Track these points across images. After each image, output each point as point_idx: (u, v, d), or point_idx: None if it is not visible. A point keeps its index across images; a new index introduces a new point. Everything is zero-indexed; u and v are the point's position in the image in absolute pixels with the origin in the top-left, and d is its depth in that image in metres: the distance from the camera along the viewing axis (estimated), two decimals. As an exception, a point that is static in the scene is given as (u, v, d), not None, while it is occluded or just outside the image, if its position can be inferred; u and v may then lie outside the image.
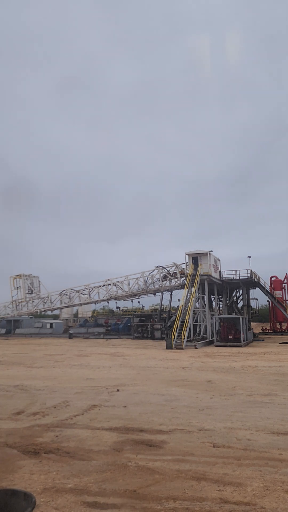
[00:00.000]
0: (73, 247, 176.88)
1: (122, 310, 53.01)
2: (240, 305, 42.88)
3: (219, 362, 17.69)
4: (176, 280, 39.68)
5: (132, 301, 46.35)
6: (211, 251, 35.72)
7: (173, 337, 27.22)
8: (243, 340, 28.43)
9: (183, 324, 28.41)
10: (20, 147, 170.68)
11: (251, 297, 43.42)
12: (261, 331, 44.90)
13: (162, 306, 45.00)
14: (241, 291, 41.93)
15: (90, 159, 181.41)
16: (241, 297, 42.66)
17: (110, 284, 42.19)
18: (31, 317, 53.18)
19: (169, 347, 26.40)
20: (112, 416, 7.95)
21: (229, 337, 28.71)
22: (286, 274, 43.49)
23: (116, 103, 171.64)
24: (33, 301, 46.30)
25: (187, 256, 36.17)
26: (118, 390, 10.81)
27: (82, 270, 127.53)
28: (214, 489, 4.54)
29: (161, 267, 40.06)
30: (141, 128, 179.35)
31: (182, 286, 36.76)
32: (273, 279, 44.15)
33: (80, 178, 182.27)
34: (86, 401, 9.44)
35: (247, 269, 38.01)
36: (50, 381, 12.72)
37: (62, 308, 48.06)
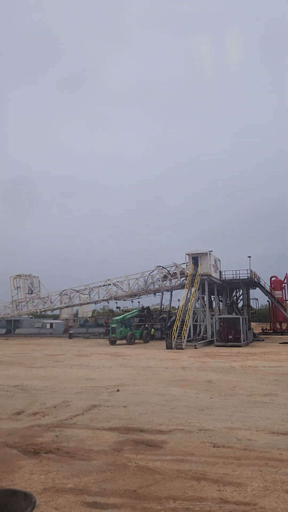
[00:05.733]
0: (73, 246, 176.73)
1: (122, 310, 52.98)
2: (240, 305, 42.86)
3: (219, 362, 17.69)
4: (176, 280, 39.62)
5: (132, 301, 46.35)
6: (211, 251, 35.70)
7: (173, 337, 27.21)
8: (243, 340, 28.43)
9: (183, 324, 28.40)
10: (20, 146, 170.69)
11: (251, 297, 43.44)
12: (261, 331, 44.88)
13: (162, 306, 45.00)
14: (241, 291, 41.91)
15: (91, 158, 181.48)
16: (241, 297, 42.64)
17: (110, 284, 42.14)
18: (31, 317, 53.15)
19: (169, 347, 26.40)
20: (112, 416, 7.95)
21: (229, 337, 28.69)
22: (286, 274, 43.53)
23: (116, 103, 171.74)
24: (33, 301, 46.24)
25: (187, 256, 36.14)
26: (118, 390, 10.81)
27: (82, 270, 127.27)
28: (214, 489, 4.53)
29: (161, 267, 40.03)
30: (141, 128, 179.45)
31: (182, 286, 36.72)
32: (273, 279, 44.17)
33: (80, 177, 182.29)
34: (86, 401, 9.44)
35: (247, 269, 38.02)
36: (50, 381, 12.72)
37: (62, 308, 47.99)
